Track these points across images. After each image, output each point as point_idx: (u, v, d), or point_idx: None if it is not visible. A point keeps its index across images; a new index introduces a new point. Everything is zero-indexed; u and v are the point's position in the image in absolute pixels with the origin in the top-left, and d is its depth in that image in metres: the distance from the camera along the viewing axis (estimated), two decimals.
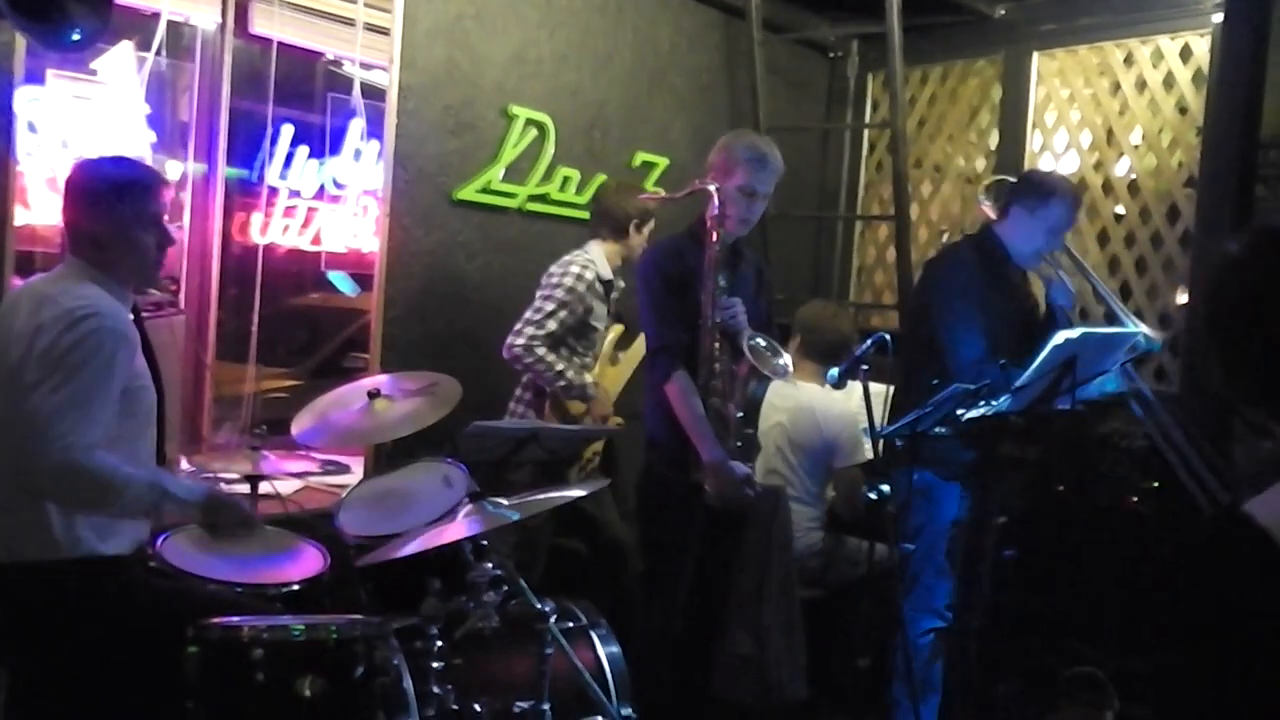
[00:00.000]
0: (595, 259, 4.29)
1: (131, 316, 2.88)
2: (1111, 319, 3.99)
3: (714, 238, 3.49)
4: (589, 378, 4.25)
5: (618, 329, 4.49)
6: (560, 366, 4.15)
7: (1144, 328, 3.91)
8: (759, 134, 3.83)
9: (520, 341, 4.11)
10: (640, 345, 4.25)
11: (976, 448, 3.70)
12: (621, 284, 4.40)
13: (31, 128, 4.16)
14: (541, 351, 4.11)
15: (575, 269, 4.21)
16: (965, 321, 3.70)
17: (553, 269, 4.26)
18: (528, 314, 4.17)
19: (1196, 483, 3.84)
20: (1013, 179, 4.24)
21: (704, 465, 3.46)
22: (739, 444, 3.55)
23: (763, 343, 3.51)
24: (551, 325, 4.13)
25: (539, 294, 4.22)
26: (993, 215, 4.01)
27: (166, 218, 2.94)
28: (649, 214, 4.37)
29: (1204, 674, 1.36)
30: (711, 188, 3.52)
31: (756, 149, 3.58)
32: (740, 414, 3.57)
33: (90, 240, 2.83)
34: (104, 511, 2.76)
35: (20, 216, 3.91)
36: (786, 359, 3.54)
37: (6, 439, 2.66)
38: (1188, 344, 4.76)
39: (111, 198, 2.83)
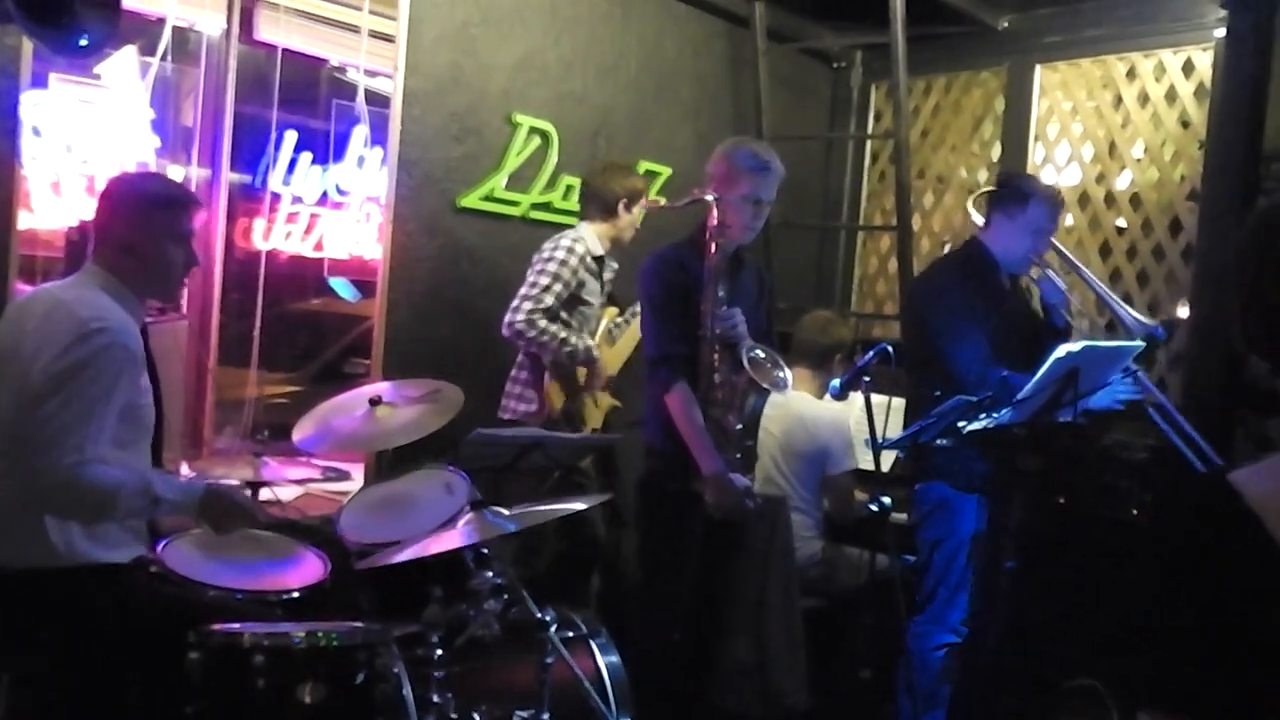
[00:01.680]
0: (585, 235, 4.34)
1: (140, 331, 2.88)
2: (1112, 328, 3.98)
3: (713, 249, 3.49)
4: (590, 340, 4.30)
5: (611, 312, 4.51)
6: (564, 335, 4.19)
7: (1140, 317, 3.91)
8: (756, 140, 3.82)
9: (520, 317, 4.15)
10: (637, 327, 4.29)
11: (992, 459, 3.70)
12: (615, 265, 4.46)
13: (36, 132, 4.16)
14: (543, 324, 4.15)
15: (565, 243, 4.27)
16: (963, 338, 3.70)
17: (544, 245, 4.32)
18: (523, 290, 4.21)
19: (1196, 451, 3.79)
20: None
21: (704, 478, 3.45)
22: (739, 455, 3.55)
23: (762, 354, 3.50)
24: (549, 300, 4.18)
25: (531, 271, 4.26)
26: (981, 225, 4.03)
27: (195, 240, 2.96)
28: (638, 193, 4.41)
29: None
30: (710, 198, 3.51)
31: (758, 157, 3.59)
32: (740, 426, 3.57)
33: (121, 246, 2.85)
34: (99, 521, 2.76)
35: (23, 221, 3.92)
36: (786, 372, 3.53)
37: (12, 447, 2.67)
38: (1188, 357, 4.75)
39: (150, 208, 2.87)
